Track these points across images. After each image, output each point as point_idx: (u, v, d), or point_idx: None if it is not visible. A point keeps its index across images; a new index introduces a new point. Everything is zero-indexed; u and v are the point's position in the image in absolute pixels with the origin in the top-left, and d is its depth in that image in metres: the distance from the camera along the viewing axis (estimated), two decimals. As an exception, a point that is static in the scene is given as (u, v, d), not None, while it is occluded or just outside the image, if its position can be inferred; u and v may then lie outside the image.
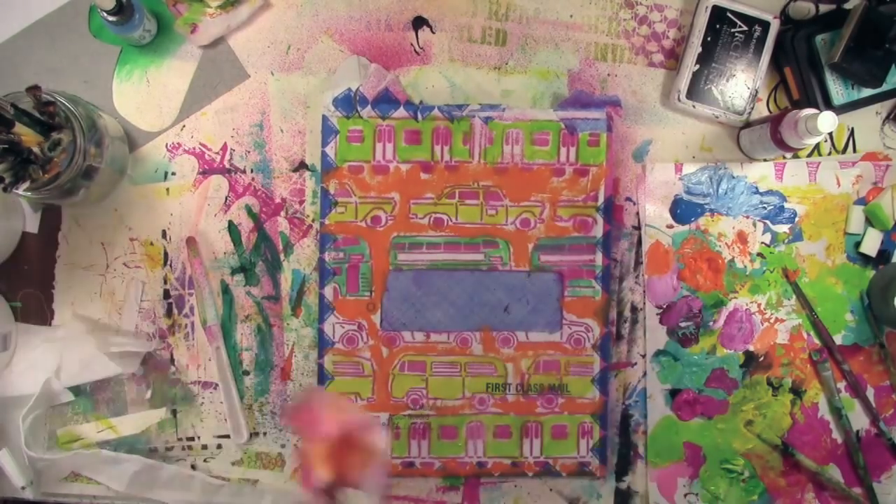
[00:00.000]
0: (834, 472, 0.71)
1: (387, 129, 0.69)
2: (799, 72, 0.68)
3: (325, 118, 0.69)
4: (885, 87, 0.68)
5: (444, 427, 0.69)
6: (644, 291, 0.70)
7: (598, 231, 0.69)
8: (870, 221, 0.70)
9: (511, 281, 0.69)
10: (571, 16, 0.70)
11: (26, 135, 0.59)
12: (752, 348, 0.70)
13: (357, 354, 0.69)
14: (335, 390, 0.69)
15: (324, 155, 0.69)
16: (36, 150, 0.59)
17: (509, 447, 0.69)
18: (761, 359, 0.70)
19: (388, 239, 0.69)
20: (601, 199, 0.69)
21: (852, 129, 0.71)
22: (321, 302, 0.69)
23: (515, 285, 0.69)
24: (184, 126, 0.69)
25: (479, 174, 0.69)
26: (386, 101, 0.69)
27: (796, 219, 0.70)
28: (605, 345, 0.69)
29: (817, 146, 0.71)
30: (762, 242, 0.70)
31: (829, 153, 0.71)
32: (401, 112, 0.69)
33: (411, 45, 0.70)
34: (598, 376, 0.69)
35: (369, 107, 0.69)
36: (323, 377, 0.69)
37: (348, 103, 0.69)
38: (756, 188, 0.70)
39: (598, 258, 0.69)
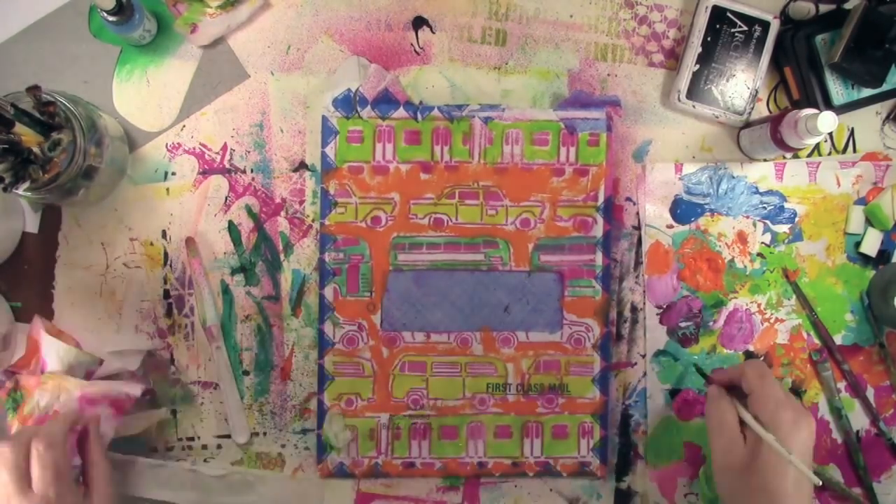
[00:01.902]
0: (834, 472, 0.71)
1: (386, 129, 0.69)
2: (799, 72, 0.68)
3: (324, 119, 0.69)
4: (885, 87, 0.68)
5: (444, 427, 0.69)
6: (644, 291, 0.70)
7: (598, 231, 0.69)
8: (870, 221, 0.70)
9: (511, 281, 0.69)
10: (571, 16, 0.70)
11: (26, 135, 0.59)
12: (752, 348, 0.70)
13: (357, 355, 0.69)
14: (336, 392, 0.69)
15: (323, 156, 0.69)
16: (36, 150, 0.59)
17: (510, 447, 0.69)
18: (761, 359, 0.70)
19: (388, 239, 0.69)
20: (601, 199, 0.69)
21: (852, 129, 0.71)
22: (321, 302, 0.69)
23: (515, 285, 0.69)
24: (184, 126, 0.69)
25: (479, 174, 0.69)
26: (386, 101, 0.69)
27: (796, 219, 0.70)
28: (605, 345, 0.69)
29: (817, 146, 0.71)
30: (762, 242, 0.70)
31: (829, 153, 0.71)
32: (400, 112, 0.69)
33: (411, 45, 0.70)
34: (598, 376, 0.69)
35: (369, 107, 0.69)
36: (323, 377, 0.69)
37: (348, 104, 0.69)
38: (756, 188, 0.70)
39: (599, 258, 0.69)
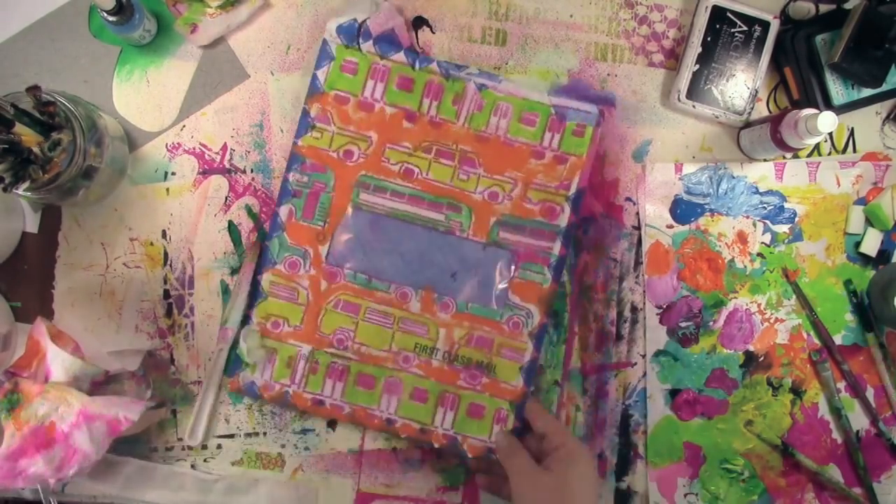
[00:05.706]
0: (834, 472, 0.71)
1: (382, 68, 0.67)
2: (799, 72, 0.68)
3: (324, 42, 0.67)
4: (885, 87, 0.68)
5: (362, 375, 0.67)
6: (644, 291, 0.70)
7: (563, 221, 0.68)
8: (870, 221, 0.70)
9: (464, 249, 0.68)
10: (571, 16, 0.70)
11: (26, 135, 0.59)
12: (752, 348, 0.70)
13: (295, 280, 0.67)
14: (265, 311, 0.68)
15: (314, 77, 0.67)
16: (36, 150, 0.59)
17: (422, 412, 0.67)
18: (761, 359, 0.70)
19: (355, 175, 0.67)
20: (573, 190, 0.68)
21: (852, 129, 0.71)
22: (273, 219, 0.68)
23: (468, 254, 0.68)
24: (184, 126, 0.69)
25: (461, 137, 0.68)
26: (388, 41, 0.68)
27: (796, 219, 0.70)
28: (540, 335, 0.68)
29: (817, 146, 0.71)
30: (762, 242, 0.70)
31: (829, 153, 0.71)
32: (400, 56, 0.67)
33: (411, 44, 0.70)
34: (526, 365, 0.68)
35: (371, 42, 0.67)
36: (256, 294, 0.68)
37: (351, 33, 0.67)
38: (756, 188, 0.70)
39: (557, 247, 0.68)
